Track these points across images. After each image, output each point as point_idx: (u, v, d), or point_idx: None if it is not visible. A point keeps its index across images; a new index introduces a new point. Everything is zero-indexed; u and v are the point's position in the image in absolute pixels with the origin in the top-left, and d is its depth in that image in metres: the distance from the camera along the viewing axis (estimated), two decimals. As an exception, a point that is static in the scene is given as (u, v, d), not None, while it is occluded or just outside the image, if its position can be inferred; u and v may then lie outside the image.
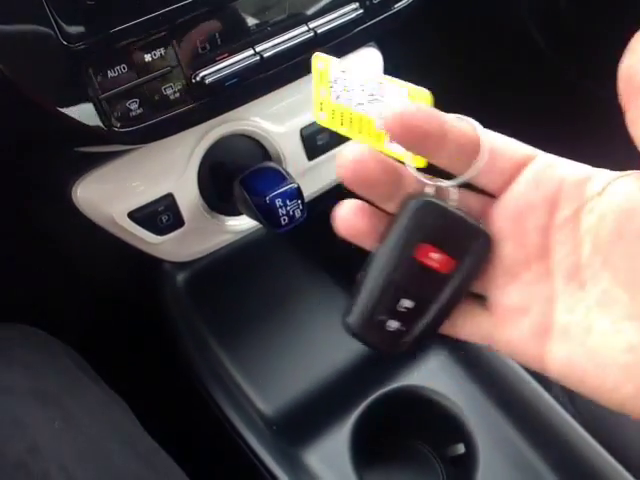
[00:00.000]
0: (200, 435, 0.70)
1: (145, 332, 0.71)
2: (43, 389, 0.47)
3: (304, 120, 0.60)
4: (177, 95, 0.47)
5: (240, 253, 0.71)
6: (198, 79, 0.47)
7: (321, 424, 0.65)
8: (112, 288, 0.71)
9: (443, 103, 0.31)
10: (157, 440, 0.52)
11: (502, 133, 0.31)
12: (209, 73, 0.47)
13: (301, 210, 0.54)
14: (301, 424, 0.65)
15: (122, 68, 0.44)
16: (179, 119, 0.47)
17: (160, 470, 0.48)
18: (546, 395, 0.66)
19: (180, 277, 0.73)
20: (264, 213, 0.53)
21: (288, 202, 0.53)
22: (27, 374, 0.48)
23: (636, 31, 0.26)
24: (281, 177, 0.55)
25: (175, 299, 0.72)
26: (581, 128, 0.86)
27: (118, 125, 0.45)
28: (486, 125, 0.30)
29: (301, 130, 0.60)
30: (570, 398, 0.72)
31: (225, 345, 0.70)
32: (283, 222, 0.53)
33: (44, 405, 0.45)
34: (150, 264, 0.66)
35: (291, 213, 0.53)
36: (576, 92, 0.91)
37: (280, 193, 0.52)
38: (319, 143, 0.62)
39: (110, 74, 0.44)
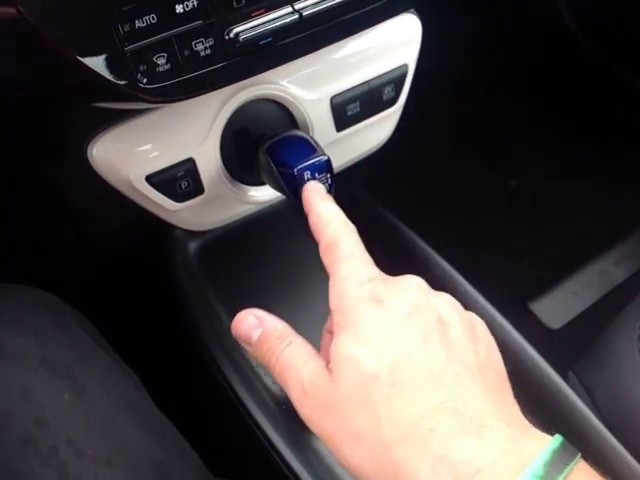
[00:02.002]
0: (209, 411, 0.68)
1: (156, 300, 0.69)
2: (53, 359, 0.44)
3: (335, 87, 0.57)
4: (208, 52, 0.43)
5: (254, 223, 0.68)
6: (232, 35, 0.43)
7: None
8: (124, 255, 0.68)
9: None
10: (166, 414, 0.50)
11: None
12: (243, 30, 0.43)
13: (330, 185, 0.50)
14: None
15: (151, 18, 0.41)
16: (209, 78, 0.44)
17: (173, 449, 0.46)
18: (565, 387, 0.64)
19: (192, 245, 0.70)
20: (290, 185, 0.49)
21: (317, 175, 0.49)
22: (37, 342, 0.45)
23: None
24: (311, 148, 0.51)
25: (186, 267, 0.69)
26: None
27: (144, 81, 0.42)
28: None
29: (332, 98, 0.57)
30: (588, 391, 0.70)
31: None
32: (310, 196, 0.50)
33: (54, 376, 0.42)
34: (163, 230, 0.63)
35: (319, 187, 0.50)
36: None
37: (309, 165, 0.49)
38: (349, 114, 0.58)
39: (138, 24, 0.41)
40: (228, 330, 0.68)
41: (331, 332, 0.38)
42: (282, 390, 0.65)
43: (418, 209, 1.03)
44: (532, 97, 1.18)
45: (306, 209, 0.44)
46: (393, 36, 0.58)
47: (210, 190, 0.54)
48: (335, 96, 0.57)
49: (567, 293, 1.01)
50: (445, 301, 0.38)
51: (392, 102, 0.61)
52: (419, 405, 0.33)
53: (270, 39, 0.45)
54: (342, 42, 0.55)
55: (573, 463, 0.32)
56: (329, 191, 0.51)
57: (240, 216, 0.59)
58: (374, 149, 0.64)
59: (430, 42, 0.63)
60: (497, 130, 1.16)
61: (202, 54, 0.43)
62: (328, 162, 0.50)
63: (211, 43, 0.43)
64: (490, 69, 1.11)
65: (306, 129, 0.57)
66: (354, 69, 0.57)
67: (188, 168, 0.52)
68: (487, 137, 1.16)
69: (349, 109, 0.58)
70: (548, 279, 1.03)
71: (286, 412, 0.62)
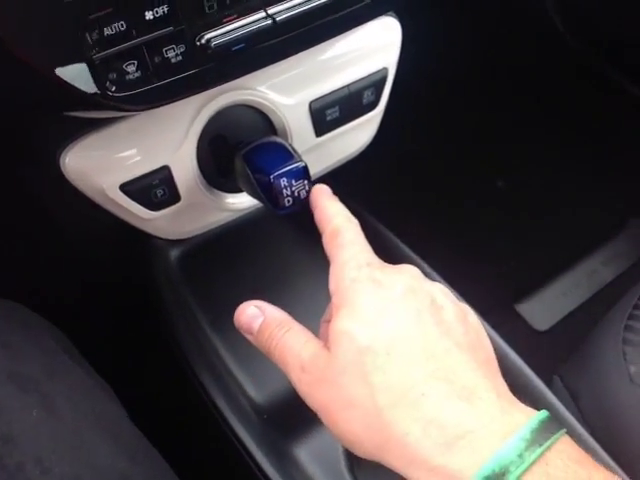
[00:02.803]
0: (186, 421, 0.67)
1: (134, 311, 0.68)
2: (23, 373, 0.43)
3: (314, 92, 0.56)
4: (179, 59, 0.42)
5: (236, 230, 0.67)
6: (203, 42, 0.42)
7: (314, 417, 0.61)
8: (101, 263, 0.67)
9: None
10: (142, 425, 0.49)
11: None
12: (215, 36, 0.43)
13: (307, 191, 0.50)
14: (293, 414, 0.62)
15: (120, 25, 0.40)
16: (180, 85, 0.43)
17: (145, 463, 0.45)
18: (549, 394, 0.63)
19: (173, 253, 0.69)
20: (267, 192, 0.49)
21: (294, 182, 0.49)
22: (6, 354, 0.44)
23: None
24: (288, 154, 0.50)
25: (166, 276, 0.68)
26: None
27: (113, 89, 0.41)
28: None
29: (310, 103, 0.56)
30: (573, 395, 0.69)
31: (217, 327, 0.67)
32: (287, 203, 0.49)
33: (23, 391, 0.42)
34: (142, 238, 0.62)
35: (296, 194, 0.49)
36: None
37: (286, 172, 0.48)
38: (328, 118, 0.58)
39: (106, 32, 0.40)
40: (210, 339, 0.68)
41: (328, 321, 0.39)
42: (264, 399, 0.65)
43: (403, 211, 1.03)
44: (519, 97, 1.17)
45: (312, 206, 0.46)
46: (372, 39, 0.57)
47: (186, 198, 0.53)
48: (314, 101, 0.56)
49: (555, 293, 1.00)
50: (439, 289, 0.40)
51: (372, 106, 0.60)
52: (412, 373, 0.35)
53: (243, 45, 0.44)
54: (320, 46, 0.54)
55: (559, 434, 0.33)
56: (306, 198, 0.50)
57: (218, 224, 0.59)
58: (355, 153, 0.64)
59: (412, 44, 0.63)
60: (484, 131, 1.16)
61: (173, 61, 0.42)
62: (305, 168, 0.50)
63: (182, 50, 0.42)
64: (475, 69, 1.11)
65: (285, 135, 0.56)
66: (333, 73, 0.56)
67: (163, 176, 0.51)
68: (474, 138, 1.15)
69: (328, 114, 0.57)
70: (535, 279, 1.03)
71: (267, 421, 0.62)
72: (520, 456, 0.32)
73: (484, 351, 0.39)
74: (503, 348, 0.63)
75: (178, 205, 0.53)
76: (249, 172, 0.50)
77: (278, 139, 0.53)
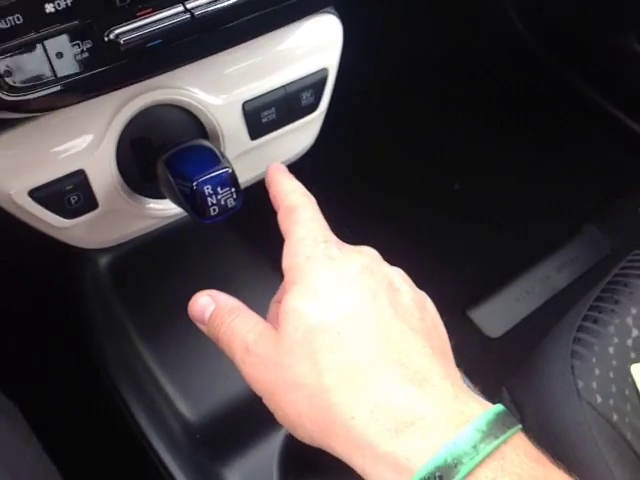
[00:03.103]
0: (107, 443, 0.63)
1: (55, 324, 0.64)
2: None
3: (248, 92, 0.52)
4: (85, 56, 0.38)
5: (171, 235, 0.64)
6: (112, 37, 0.39)
7: (249, 436, 0.58)
8: (20, 273, 0.63)
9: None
10: (55, 445, 0.45)
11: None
12: (126, 31, 0.39)
13: (235, 199, 0.46)
14: (228, 434, 0.59)
15: (15, 19, 0.36)
16: (86, 85, 0.39)
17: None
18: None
19: (103, 261, 0.66)
20: (190, 201, 0.45)
21: (219, 190, 0.45)
22: None
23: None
24: (214, 159, 0.47)
25: (95, 287, 0.64)
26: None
27: (8, 89, 0.37)
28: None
29: (244, 104, 0.52)
30: (519, 409, 0.67)
31: (149, 340, 0.63)
32: (212, 212, 0.46)
33: None
34: (66, 245, 0.58)
35: (222, 202, 0.46)
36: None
37: (210, 178, 0.45)
38: (264, 120, 0.54)
39: (1, 25, 0.36)
40: (138, 353, 0.64)
41: (279, 302, 0.37)
42: (198, 417, 0.61)
43: (354, 212, 1.00)
44: (477, 97, 1.15)
45: (267, 183, 0.44)
46: (311, 38, 0.54)
47: (105, 205, 0.49)
48: (247, 102, 0.52)
49: (507, 300, 0.99)
50: (398, 273, 0.39)
51: (312, 108, 0.57)
52: (363, 354, 0.33)
53: (159, 41, 0.40)
54: (254, 44, 0.51)
55: (515, 429, 0.32)
56: (234, 207, 0.47)
57: (143, 232, 0.55)
58: (295, 157, 0.60)
59: (360, 41, 0.59)
60: (440, 131, 1.13)
61: (78, 58, 0.38)
62: (232, 175, 0.46)
63: (89, 46, 0.38)
64: (428, 68, 1.08)
65: (216, 138, 0.52)
66: (268, 73, 0.53)
67: (78, 181, 0.47)
68: (430, 138, 1.13)
69: (264, 116, 0.54)
70: (488, 285, 1.01)
71: (199, 441, 0.58)
72: (475, 447, 0.30)
73: (440, 339, 0.37)
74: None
75: (96, 212, 0.49)
76: (171, 178, 0.46)
77: (204, 142, 0.49)
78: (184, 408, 0.60)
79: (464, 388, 0.34)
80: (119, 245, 0.58)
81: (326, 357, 0.33)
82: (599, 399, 0.61)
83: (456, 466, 0.30)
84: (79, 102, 0.40)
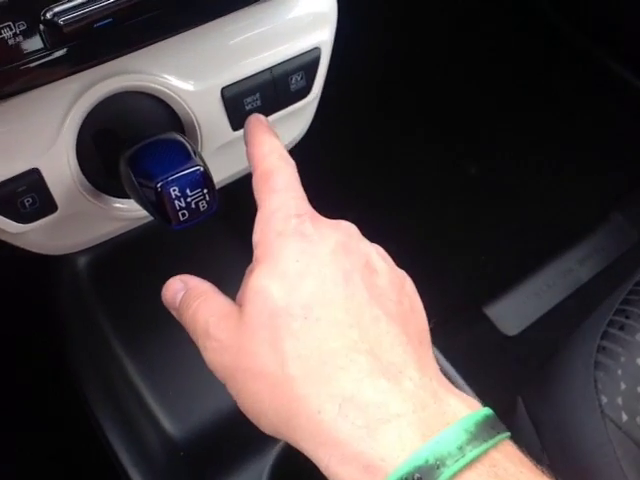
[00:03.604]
0: (79, 464, 0.59)
1: (27, 330, 0.59)
2: None
3: (227, 77, 0.46)
4: (19, 39, 0.33)
5: (155, 232, 0.58)
6: (49, 17, 0.33)
7: (238, 454, 0.54)
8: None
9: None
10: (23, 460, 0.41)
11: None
12: (67, 9, 0.33)
13: (208, 202, 0.41)
14: (213, 452, 0.54)
15: None
16: (23, 73, 0.33)
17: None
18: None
19: (81, 261, 0.61)
20: (155, 204, 0.39)
21: (189, 192, 0.40)
22: None
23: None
24: (183, 155, 0.41)
25: (73, 289, 0.60)
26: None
27: None
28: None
29: (223, 90, 0.46)
30: (535, 424, 0.61)
31: (131, 348, 0.58)
32: (181, 217, 0.40)
33: None
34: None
35: (193, 206, 0.40)
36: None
37: (177, 179, 0.39)
38: (248, 108, 0.48)
39: None
40: (121, 364, 0.59)
41: None
42: (182, 433, 0.57)
43: (367, 199, 0.94)
44: (495, 76, 1.08)
45: (245, 141, 0.42)
46: (300, 12, 0.48)
47: (65, 207, 0.43)
48: (227, 87, 0.46)
49: (526, 294, 0.92)
50: (376, 251, 0.37)
51: (303, 93, 0.50)
52: (331, 342, 0.31)
53: (109, 20, 0.34)
54: (234, 21, 0.45)
55: (505, 436, 0.30)
56: (208, 211, 0.41)
57: (112, 235, 0.49)
58: (286, 148, 0.54)
59: (360, 15, 0.53)
60: (457, 113, 1.06)
61: (10, 42, 0.33)
62: (204, 174, 0.40)
63: (22, 28, 0.33)
64: (444, 49, 1.01)
65: (192, 129, 0.46)
66: (251, 54, 0.47)
67: (32, 181, 0.41)
68: (446, 121, 1.06)
69: (247, 103, 0.48)
70: (505, 277, 0.94)
71: (183, 460, 0.54)
72: (460, 449, 0.28)
73: (417, 324, 0.35)
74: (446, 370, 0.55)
75: (55, 215, 0.43)
76: (134, 178, 0.40)
77: (175, 136, 0.43)
78: (167, 423, 0.56)
79: (444, 382, 0.32)
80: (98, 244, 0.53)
81: (291, 344, 0.31)
82: (625, 417, 0.55)
83: (438, 467, 0.27)
84: (16, 94, 0.35)
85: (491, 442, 0.29)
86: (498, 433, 0.29)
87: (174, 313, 0.39)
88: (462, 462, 0.28)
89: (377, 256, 0.36)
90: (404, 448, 0.28)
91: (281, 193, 0.37)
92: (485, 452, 0.28)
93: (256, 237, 0.36)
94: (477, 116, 1.06)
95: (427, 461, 0.27)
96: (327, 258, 0.34)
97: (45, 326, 0.57)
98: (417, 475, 0.27)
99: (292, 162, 0.39)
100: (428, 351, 0.34)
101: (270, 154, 0.39)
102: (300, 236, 0.35)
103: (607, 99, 1.04)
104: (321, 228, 0.35)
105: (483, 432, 0.29)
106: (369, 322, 0.32)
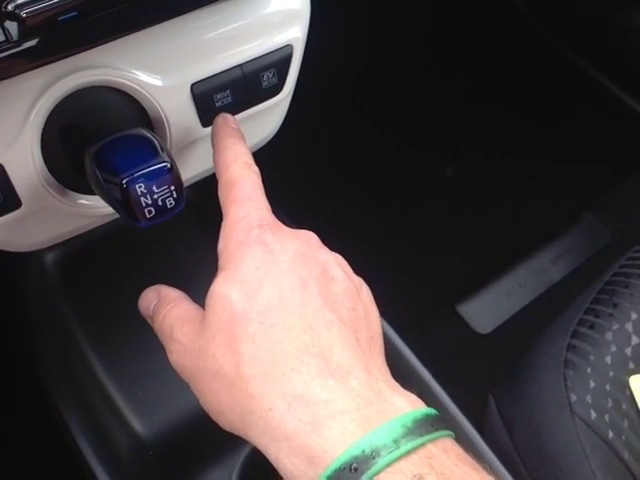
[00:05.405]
0: (44, 466, 0.58)
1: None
2: None
3: (197, 73, 0.46)
4: (-21, 31, 0.32)
5: (125, 227, 0.58)
6: (10, 9, 0.32)
7: (207, 454, 0.53)
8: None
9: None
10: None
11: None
12: (30, 1, 0.32)
13: (175, 199, 0.40)
14: (183, 451, 0.54)
15: None
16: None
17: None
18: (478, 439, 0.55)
19: (49, 258, 0.60)
20: (120, 201, 0.39)
21: (155, 188, 0.39)
22: None
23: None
24: (151, 151, 0.40)
25: (40, 286, 0.58)
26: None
27: None
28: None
29: (192, 86, 0.46)
30: (506, 423, 0.62)
31: (99, 346, 0.57)
32: (148, 215, 0.39)
33: None
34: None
35: (160, 203, 0.39)
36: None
37: (143, 175, 0.38)
38: (218, 104, 0.48)
39: None
40: (88, 363, 0.58)
41: None
42: (152, 432, 0.56)
43: (341, 200, 0.94)
44: (469, 78, 1.08)
45: (212, 143, 0.43)
46: (272, 9, 0.47)
47: (30, 203, 0.43)
48: (197, 83, 0.46)
49: (499, 293, 0.93)
50: (335, 259, 0.38)
51: (275, 90, 0.50)
52: (284, 345, 0.33)
53: (74, 14, 0.34)
54: (205, 16, 0.44)
55: (445, 433, 0.31)
56: (175, 208, 0.41)
57: (78, 232, 0.48)
58: (257, 146, 0.54)
59: (334, 12, 0.53)
60: (433, 115, 1.06)
61: (-30, 34, 0.32)
62: (171, 170, 0.40)
63: (-18, 19, 0.32)
64: (420, 50, 1.01)
65: (161, 125, 0.46)
66: (221, 50, 0.46)
67: (-6, 177, 0.40)
68: (422, 122, 1.06)
69: (218, 99, 0.47)
70: (478, 276, 0.95)
71: (152, 459, 0.53)
72: (395, 442, 0.30)
73: (370, 329, 0.36)
74: (420, 373, 0.55)
75: (19, 212, 0.42)
76: (99, 174, 0.40)
77: (141, 131, 0.42)
78: (136, 423, 0.55)
79: (391, 384, 0.33)
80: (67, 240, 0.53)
81: (247, 347, 0.33)
82: (593, 415, 0.55)
83: (374, 457, 0.29)
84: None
85: (427, 437, 0.30)
86: (437, 430, 0.31)
87: (149, 321, 0.41)
88: (396, 453, 0.29)
89: (335, 264, 0.37)
90: (345, 441, 0.30)
91: (244, 203, 0.38)
92: (422, 445, 0.30)
93: (220, 246, 0.38)
94: (453, 118, 1.06)
95: (363, 451, 0.29)
96: (285, 266, 0.35)
97: (11, 324, 0.56)
98: (354, 465, 0.29)
99: (256, 170, 0.40)
100: (379, 355, 0.36)
101: (234, 162, 0.40)
102: (261, 245, 0.36)
103: (580, 102, 1.05)
104: (281, 238, 0.37)
105: (420, 428, 0.30)
106: (322, 327, 0.34)
